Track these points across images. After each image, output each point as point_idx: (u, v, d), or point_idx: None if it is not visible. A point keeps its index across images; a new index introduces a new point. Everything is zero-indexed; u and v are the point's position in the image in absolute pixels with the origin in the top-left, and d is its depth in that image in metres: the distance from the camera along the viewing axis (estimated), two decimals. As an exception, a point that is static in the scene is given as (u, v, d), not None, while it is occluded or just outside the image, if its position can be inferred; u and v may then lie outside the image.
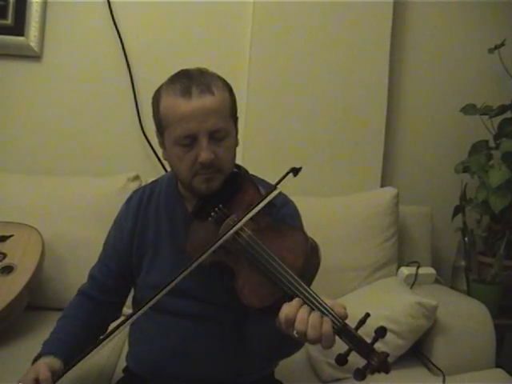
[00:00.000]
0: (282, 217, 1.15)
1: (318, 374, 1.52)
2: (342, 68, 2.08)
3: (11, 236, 1.68)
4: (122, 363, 1.34)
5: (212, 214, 1.07)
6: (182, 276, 0.96)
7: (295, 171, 1.05)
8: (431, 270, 1.95)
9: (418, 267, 1.90)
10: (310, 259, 0.96)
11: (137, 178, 1.90)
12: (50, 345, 1.15)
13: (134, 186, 1.83)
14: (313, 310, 0.88)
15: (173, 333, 1.15)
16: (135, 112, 2.06)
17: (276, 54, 2.05)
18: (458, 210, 2.01)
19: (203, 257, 0.98)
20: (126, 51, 2.05)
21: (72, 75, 2.07)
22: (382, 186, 2.10)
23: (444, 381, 1.47)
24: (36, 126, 2.08)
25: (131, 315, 0.97)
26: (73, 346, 1.12)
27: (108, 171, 2.00)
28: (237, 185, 1.12)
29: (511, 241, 1.92)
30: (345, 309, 0.89)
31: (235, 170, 1.16)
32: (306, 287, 0.90)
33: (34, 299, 1.67)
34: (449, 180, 2.12)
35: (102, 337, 0.98)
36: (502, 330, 1.78)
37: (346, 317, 0.88)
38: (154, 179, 1.32)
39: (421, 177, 2.20)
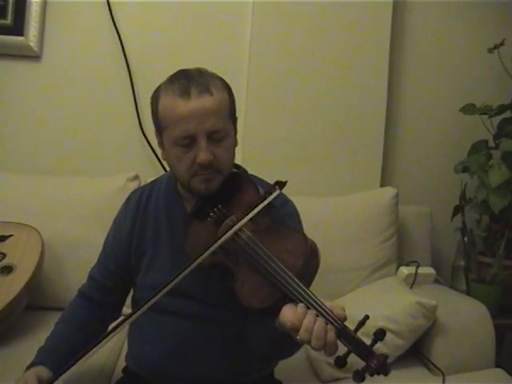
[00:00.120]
0: (281, 217, 1.14)
1: (317, 373, 1.52)
2: (341, 68, 2.08)
3: (11, 236, 1.68)
4: (122, 363, 1.35)
5: (211, 214, 1.07)
6: (180, 277, 0.96)
7: (281, 185, 1.04)
8: (431, 270, 1.94)
9: (417, 267, 1.90)
10: (309, 261, 0.96)
11: (136, 177, 1.90)
12: (42, 353, 1.14)
13: (134, 185, 1.83)
14: (317, 316, 0.88)
15: (172, 333, 1.15)
16: (135, 112, 2.06)
17: (276, 54, 2.05)
18: (458, 209, 2.01)
19: (201, 258, 0.98)
20: (126, 51, 2.05)
21: (71, 75, 2.07)
22: (381, 185, 2.10)
23: (444, 381, 1.47)
24: (36, 126, 2.08)
25: (129, 315, 0.96)
26: (68, 352, 1.12)
27: (108, 171, 2.00)
28: (236, 185, 1.12)
29: (511, 240, 1.92)
30: (344, 310, 0.89)
31: (234, 170, 1.16)
32: (304, 289, 0.90)
33: (34, 299, 1.66)
34: (448, 180, 2.12)
35: (100, 337, 0.98)
36: (502, 329, 1.78)
37: (345, 319, 0.88)
38: (153, 179, 1.32)
39: (420, 177, 2.20)
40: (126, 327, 1.25)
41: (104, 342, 0.94)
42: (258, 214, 1.04)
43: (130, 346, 1.26)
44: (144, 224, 1.21)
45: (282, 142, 2.07)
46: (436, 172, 2.20)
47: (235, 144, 1.14)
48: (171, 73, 1.12)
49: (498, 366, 1.58)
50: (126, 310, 1.30)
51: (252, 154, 2.04)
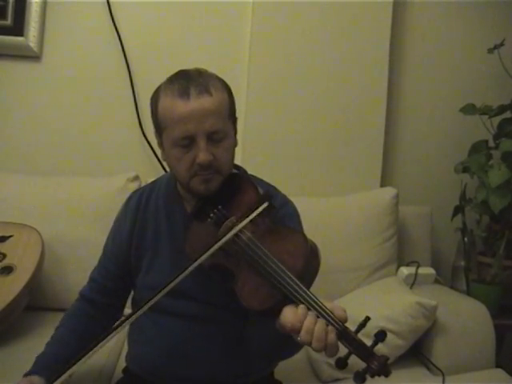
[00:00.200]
0: (281, 217, 1.15)
1: (317, 374, 1.52)
2: (341, 68, 2.07)
3: (11, 236, 1.68)
4: (122, 363, 1.35)
5: (211, 215, 1.07)
6: (179, 278, 0.96)
7: (269, 208, 1.05)
8: (431, 270, 1.94)
9: (417, 267, 1.90)
10: (309, 262, 0.96)
11: (136, 178, 1.90)
12: (39, 362, 1.14)
13: (134, 186, 1.83)
14: (318, 317, 0.87)
15: (172, 333, 1.15)
16: (135, 112, 2.06)
17: (275, 54, 2.05)
18: (458, 210, 2.01)
19: (199, 260, 0.97)
20: (126, 51, 2.05)
21: (71, 75, 2.07)
22: (381, 186, 2.10)
23: (444, 381, 1.47)
24: (36, 126, 2.08)
25: (129, 316, 0.96)
26: (66, 361, 1.12)
27: (108, 171, 2.00)
28: (236, 185, 1.11)
29: (511, 241, 1.92)
30: (345, 312, 0.89)
31: (234, 170, 1.16)
32: (305, 290, 0.90)
33: (34, 299, 1.66)
34: (448, 180, 2.11)
35: (100, 337, 0.98)
36: (502, 330, 1.78)
37: (345, 320, 0.87)
38: (153, 179, 1.32)
39: (420, 177, 2.20)
40: (125, 328, 1.26)
41: (103, 342, 0.94)
42: (258, 215, 1.04)
43: (129, 347, 1.26)
44: (144, 224, 1.21)
45: (282, 142, 2.07)
46: (436, 172, 2.20)
47: (235, 144, 1.14)
48: (171, 73, 1.12)
49: (498, 366, 1.58)
50: (127, 310, 1.30)
51: (252, 154, 2.04)
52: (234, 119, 1.14)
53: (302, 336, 0.86)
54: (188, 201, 1.17)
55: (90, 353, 0.94)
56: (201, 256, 0.98)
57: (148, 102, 1.14)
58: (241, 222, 1.01)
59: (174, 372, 1.15)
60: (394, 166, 2.20)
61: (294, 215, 1.21)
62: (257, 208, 1.03)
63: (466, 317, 1.62)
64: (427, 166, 2.21)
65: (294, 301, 0.90)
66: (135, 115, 2.06)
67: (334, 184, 2.09)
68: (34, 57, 2.05)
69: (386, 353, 1.42)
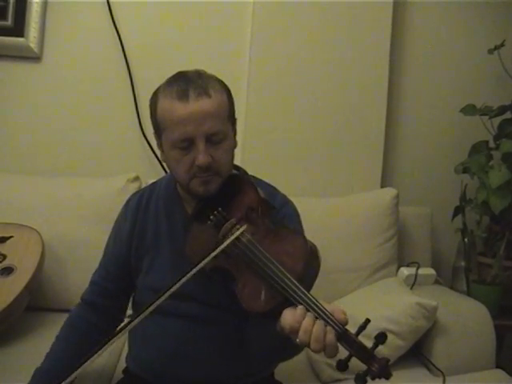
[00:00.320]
0: (281, 218, 1.15)
1: (317, 374, 1.52)
2: (341, 68, 2.07)
3: (11, 237, 1.68)
4: (122, 364, 1.34)
5: (211, 217, 1.07)
6: (180, 283, 0.96)
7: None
8: (431, 271, 1.94)
9: (417, 268, 1.90)
10: (309, 263, 0.95)
11: (137, 178, 1.89)
12: (37, 377, 1.14)
13: (134, 186, 1.83)
14: (316, 318, 0.87)
15: (173, 335, 1.14)
16: (135, 112, 2.06)
17: (276, 54, 2.05)
18: (458, 210, 2.01)
19: (201, 265, 0.97)
20: (126, 51, 2.05)
21: (72, 76, 2.07)
22: (382, 186, 2.10)
23: (444, 381, 1.47)
24: (36, 126, 2.08)
25: (130, 321, 0.95)
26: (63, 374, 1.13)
27: (108, 172, 2.00)
28: (236, 187, 1.11)
29: (511, 241, 1.92)
30: (345, 314, 0.88)
31: (234, 171, 1.16)
32: (305, 292, 0.90)
33: (34, 300, 1.66)
34: (449, 181, 2.11)
35: (104, 340, 0.98)
36: (502, 330, 1.78)
37: (346, 323, 0.87)
38: (153, 180, 1.32)
39: (421, 177, 2.20)
40: (126, 333, 1.26)
41: (106, 346, 0.94)
42: (258, 216, 1.04)
43: (130, 348, 1.26)
44: (144, 226, 1.21)
45: (282, 142, 2.07)
46: (436, 173, 2.20)
47: (234, 145, 1.14)
48: (171, 73, 1.12)
49: (498, 366, 1.58)
50: (128, 311, 1.31)
51: (252, 154, 2.04)
52: (233, 120, 1.14)
53: (301, 336, 0.86)
54: (188, 202, 1.17)
55: (94, 356, 0.94)
56: (201, 261, 0.97)
57: (148, 102, 1.13)
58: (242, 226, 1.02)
59: (174, 373, 1.14)
60: (394, 167, 2.20)
61: (294, 215, 1.20)
62: (259, 207, 1.03)
63: (466, 317, 1.62)
64: (427, 166, 2.21)
65: (294, 303, 0.90)
66: (135, 115, 2.06)
67: (334, 184, 2.09)
68: (35, 57, 2.05)
69: (387, 353, 1.45)
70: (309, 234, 1.04)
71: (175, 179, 1.16)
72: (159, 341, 1.16)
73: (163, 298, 0.96)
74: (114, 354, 1.53)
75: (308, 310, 0.88)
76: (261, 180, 1.23)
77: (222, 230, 1.04)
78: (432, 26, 2.18)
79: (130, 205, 1.25)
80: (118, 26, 2.04)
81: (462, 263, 1.99)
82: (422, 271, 1.90)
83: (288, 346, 0.94)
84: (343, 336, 0.85)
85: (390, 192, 1.94)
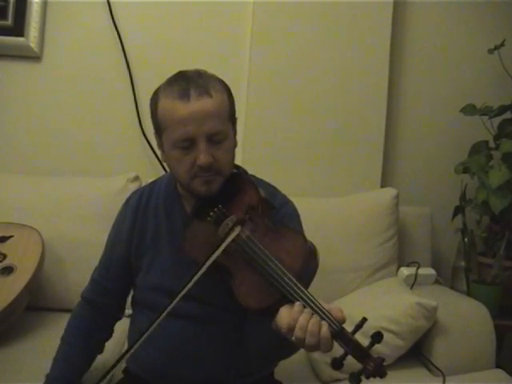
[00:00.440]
0: (281, 217, 1.15)
1: (317, 374, 1.52)
2: (342, 68, 2.07)
3: (11, 237, 1.68)
4: (122, 364, 1.34)
5: (211, 213, 1.07)
6: (191, 283, 0.97)
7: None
8: (431, 271, 1.94)
9: (417, 268, 1.90)
10: (308, 262, 0.96)
11: (137, 178, 1.90)
12: (52, 382, 1.16)
13: (134, 186, 1.83)
14: (312, 314, 0.88)
15: (173, 334, 1.14)
16: (135, 112, 2.06)
17: (276, 54, 2.05)
18: (458, 210, 2.01)
19: (213, 258, 0.98)
20: (126, 51, 2.05)
21: (72, 75, 2.07)
22: (382, 186, 2.10)
23: (444, 381, 1.46)
24: (36, 126, 2.08)
25: (151, 324, 0.98)
26: (75, 377, 1.16)
27: (108, 172, 2.00)
28: (236, 186, 1.11)
29: (511, 241, 1.92)
30: (342, 312, 0.89)
31: (234, 170, 1.16)
32: (303, 290, 0.90)
33: (34, 300, 1.66)
34: (449, 181, 2.11)
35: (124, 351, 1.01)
36: (502, 330, 1.78)
37: (343, 321, 0.87)
38: (153, 180, 1.32)
39: (421, 177, 2.20)
40: (130, 328, 1.27)
41: (132, 351, 0.98)
42: (258, 215, 1.04)
43: (130, 347, 1.26)
44: (144, 224, 1.21)
45: (282, 142, 2.07)
46: (436, 173, 2.20)
47: (235, 145, 1.14)
48: (171, 73, 1.12)
49: (498, 366, 1.58)
50: (127, 310, 1.31)
51: (252, 154, 2.04)
52: (233, 120, 1.14)
53: (296, 333, 0.86)
54: (188, 201, 1.17)
55: (126, 356, 0.99)
56: (211, 256, 0.98)
57: (148, 102, 1.13)
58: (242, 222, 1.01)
59: (174, 373, 1.15)
60: (394, 167, 2.20)
61: (294, 215, 1.20)
62: (259, 206, 1.03)
63: (466, 317, 1.62)
64: (427, 166, 2.21)
65: (291, 301, 0.90)
66: (135, 115, 2.06)
67: (335, 184, 2.09)
68: (35, 57, 2.06)
69: (387, 353, 1.45)
70: (309, 234, 1.04)
71: (176, 179, 1.16)
72: (159, 341, 1.16)
73: (178, 298, 0.97)
74: (114, 354, 1.52)
75: (305, 308, 0.88)
76: (261, 180, 1.23)
77: (222, 227, 1.04)
78: (432, 26, 2.18)
79: (130, 203, 1.25)
80: (118, 26, 2.04)
81: (462, 263, 1.99)
82: (421, 271, 1.90)
83: (285, 344, 0.94)
84: (340, 334, 0.85)
85: (390, 192, 1.94)
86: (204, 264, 0.98)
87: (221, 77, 1.13)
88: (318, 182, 2.09)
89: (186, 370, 1.14)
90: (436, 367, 1.52)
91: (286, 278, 0.91)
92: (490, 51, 1.97)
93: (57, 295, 1.76)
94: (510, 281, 1.92)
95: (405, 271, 1.90)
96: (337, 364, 0.84)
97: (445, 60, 2.19)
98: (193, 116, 1.03)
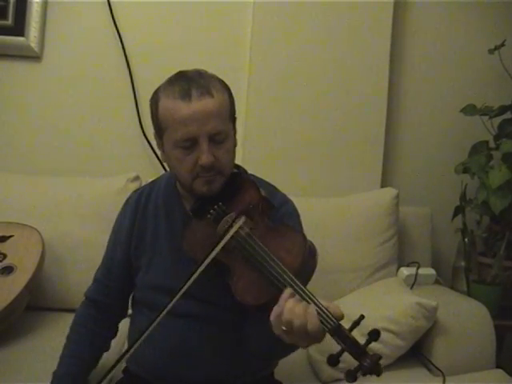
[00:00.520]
0: (280, 216, 1.15)
1: (317, 374, 1.52)
2: (342, 68, 2.07)
3: (11, 236, 1.68)
4: (122, 364, 1.34)
5: (211, 211, 1.07)
6: (191, 280, 0.97)
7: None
8: (431, 271, 1.94)
9: (417, 268, 1.90)
10: (307, 261, 0.96)
11: (137, 178, 1.90)
12: (58, 379, 1.17)
13: (134, 186, 1.83)
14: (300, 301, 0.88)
15: (173, 334, 1.14)
16: (135, 112, 2.06)
17: (276, 54, 2.05)
18: (458, 210, 2.01)
19: (212, 255, 0.98)
20: (126, 51, 2.05)
21: (72, 75, 2.07)
22: (382, 186, 2.10)
23: (444, 381, 1.46)
24: (36, 126, 2.08)
25: (151, 323, 0.98)
26: (79, 373, 1.17)
27: (108, 171, 2.00)
28: (236, 185, 1.12)
29: (511, 241, 1.92)
30: (339, 309, 0.88)
31: (234, 170, 1.16)
32: (302, 287, 0.90)
33: (34, 299, 1.67)
34: (449, 181, 2.11)
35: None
36: (502, 330, 1.78)
37: (341, 317, 0.87)
38: (153, 179, 1.32)
39: (421, 177, 2.20)
40: (130, 328, 1.27)
41: (132, 349, 0.98)
42: (257, 213, 1.04)
43: (130, 347, 1.26)
44: (143, 223, 1.21)
45: (282, 142, 2.07)
46: (436, 173, 2.20)
47: (235, 144, 1.14)
48: (171, 73, 1.12)
49: (498, 366, 1.58)
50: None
51: (252, 154, 2.04)
52: (234, 120, 1.14)
53: (285, 315, 0.85)
54: (187, 200, 1.17)
55: (126, 356, 1.00)
56: (211, 252, 0.98)
57: (148, 102, 1.13)
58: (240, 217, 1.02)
59: (174, 372, 1.15)
60: (394, 167, 2.20)
61: (294, 214, 1.21)
62: (259, 205, 1.03)
63: (466, 317, 1.62)
64: (427, 166, 2.21)
65: None
66: (135, 115, 2.06)
67: (335, 184, 2.09)
68: (35, 57, 2.06)
69: (387, 353, 1.45)
70: (309, 234, 1.04)
71: (177, 179, 1.16)
72: (159, 340, 1.16)
73: (178, 297, 0.97)
74: (114, 353, 1.52)
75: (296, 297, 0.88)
76: (261, 179, 1.23)
77: (221, 224, 1.04)
78: (432, 27, 2.18)
79: (130, 203, 1.25)
80: (118, 26, 2.04)
81: (462, 263, 1.99)
82: (422, 271, 1.90)
83: (284, 343, 0.93)
84: (336, 331, 0.85)
85: (390, 192, 1.94)
86: (204, 261, 0.98)
87: (221, 77, 1.13)
88: (318, 181, 2.09)
89: (186, 370, 1.14)
90: (436, 367, 1.52)
91: (284, 276, 0.91)
92: (491, 51, 1.97)
93: (57, 295, 1.76)
94: (510, 281, 1.92)
95: (405, 271, 1.90)
96: (333, 360, 0.84)
97: (445, 60, 2.19)
98: (195, 116, 1.03)
